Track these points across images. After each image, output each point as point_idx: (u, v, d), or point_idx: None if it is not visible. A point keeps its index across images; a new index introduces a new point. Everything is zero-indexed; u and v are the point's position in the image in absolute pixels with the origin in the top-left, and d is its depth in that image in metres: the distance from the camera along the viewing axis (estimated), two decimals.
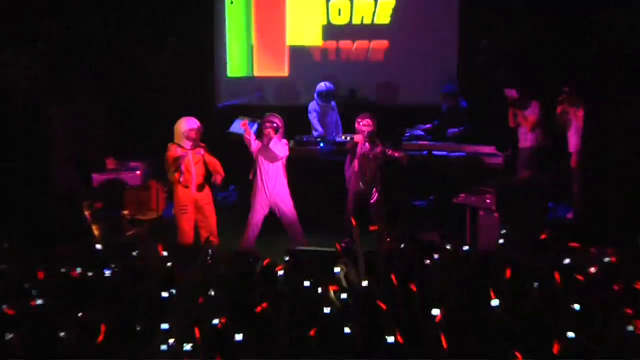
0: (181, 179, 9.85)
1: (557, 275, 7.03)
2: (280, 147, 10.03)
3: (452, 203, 9.85)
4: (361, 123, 10.36)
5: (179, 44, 12.81)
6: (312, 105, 12.81)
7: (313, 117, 12.71)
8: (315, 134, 12.47)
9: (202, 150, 9.89)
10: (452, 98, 12.49)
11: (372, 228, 8.39)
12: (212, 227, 10.01)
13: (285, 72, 13.87)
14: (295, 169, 11.16)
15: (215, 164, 9.88)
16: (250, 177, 10.23)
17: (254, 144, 10.05)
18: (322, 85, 12.71)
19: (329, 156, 11.87)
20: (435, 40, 13.56)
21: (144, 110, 13.39)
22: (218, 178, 9.76)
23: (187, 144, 9.87)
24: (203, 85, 13.83)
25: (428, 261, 7.48)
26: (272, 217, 10.34)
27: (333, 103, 12.78)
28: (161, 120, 12.69)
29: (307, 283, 7.18)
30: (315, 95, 12.73)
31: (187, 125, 9.90)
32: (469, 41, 13.18)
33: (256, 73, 13.87)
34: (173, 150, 9.85)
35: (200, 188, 9.90)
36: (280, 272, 7.46)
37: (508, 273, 7.23)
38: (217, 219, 10.06)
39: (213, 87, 14.09)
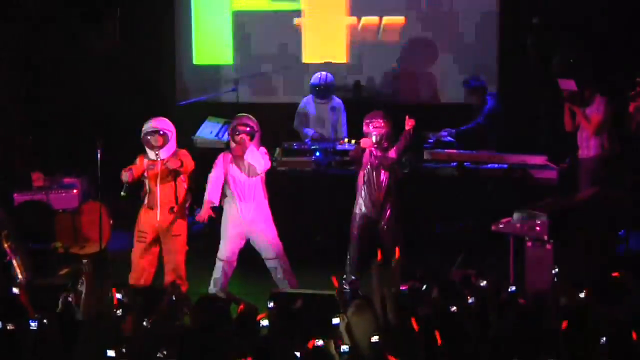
0: (144, 199, 9.95)
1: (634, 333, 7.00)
2: (258, 157, 10.04)
3: (490, 230, 9.82)
4: (370, 125, 10.39)
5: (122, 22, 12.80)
6: (305, 102, 12.86)
7: (299, 117, 12.76)
8: (307, 140, 12.55)
9: (170, 161, 9.88)
10: (477, 94, 12.61)
11: (380, 257, 8.30)
12: (177, 266, 10.06)
13: (344, 57, 13.96)
14: (281, 187, 11.21)
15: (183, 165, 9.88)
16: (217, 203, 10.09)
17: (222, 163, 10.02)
18: (317, 77, 12.76)
19: (327, 169, 11.89)
20: (469, 15, 13.61)
21: (83, 110, 13.38)
22: (174, 162, 9.73)
23: (151, 154, 9.97)
24: (159, 77, 13.86)
25: (455, 308, 7.44)
26: (250, 251, 10.29)
27: (336, 100, 12.84)
28: (105, 122, 12.74)
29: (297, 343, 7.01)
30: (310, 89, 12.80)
31: (145, 127, 9.98)
32: (515, 18, 13.22)
33: (308, 59, 13.96)
34: (138, 163, 9.94)
35: (169, 212, 9.96)
36: (263, 323, 7.41)
37: (564, 325, 7.17)
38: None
39: (173, 79, 14.13)
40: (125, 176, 9.75)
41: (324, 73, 12.73)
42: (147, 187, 9.99)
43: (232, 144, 10.13)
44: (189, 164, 9.98)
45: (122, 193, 9.79)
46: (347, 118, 12.80)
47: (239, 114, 10.25)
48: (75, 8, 13.20)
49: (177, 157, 9.89)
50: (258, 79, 13.89)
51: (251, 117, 10.18)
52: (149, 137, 9.92)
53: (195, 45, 14.13)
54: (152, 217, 10.01)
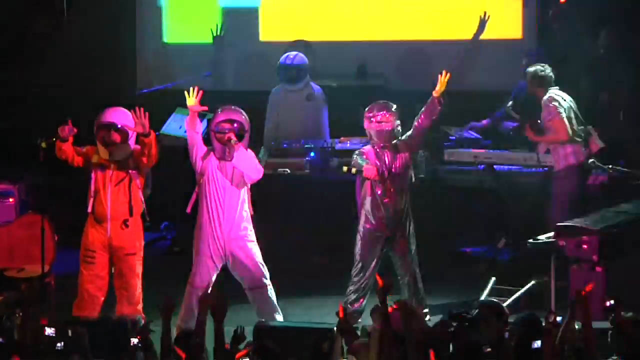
0: (89, 207, 9.91)
1: None
2: (249, 162, 9.86)
3: (526, 249, 9.82)
4: (374, 119, 10.31)
5: None
6: (274, 94, 12.80)
7: (270, 116, 12.75)
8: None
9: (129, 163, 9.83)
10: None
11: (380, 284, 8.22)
12: (130, 292, 10.01)
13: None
14: (266, 195, 11.12)
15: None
16: (188, 210, 10.11)
17: (198, 154, 9.95)
18: (284, 56, 12.71)
19: (324, 173, 11.92)
20: None
21: (22, 100, 13.39)
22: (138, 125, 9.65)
23: (103, 152, 9.88)
24: (116, 59, 13.88)
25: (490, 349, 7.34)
26: (228, 277, 10.21)
27: (314, 87, 12.80)
28: (49, 115, 12.77)
29: None
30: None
31: (99, 119, 9.88)
32: None
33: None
34: (85, 151, 9.84)
35: (122, 226, 9.93)
36: None
37: None
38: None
39: (134, 61, 14.17)
40: (64, 131, 9.61)
41: (295, 54, 12.65)
42: (93, 192, 9.90)
43: (215, 144, 9.93)
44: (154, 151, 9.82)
45: (42, 144, 9.71)
46: (344, 114, 12.71)
47: (225, 106, 10.03)
48: None
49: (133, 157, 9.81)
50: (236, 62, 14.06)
51: (239, 110, 9.99)
52: (102, 132, 9.85)
53: (167, 19, 14.17)
54: (100, 233, 9.97)
